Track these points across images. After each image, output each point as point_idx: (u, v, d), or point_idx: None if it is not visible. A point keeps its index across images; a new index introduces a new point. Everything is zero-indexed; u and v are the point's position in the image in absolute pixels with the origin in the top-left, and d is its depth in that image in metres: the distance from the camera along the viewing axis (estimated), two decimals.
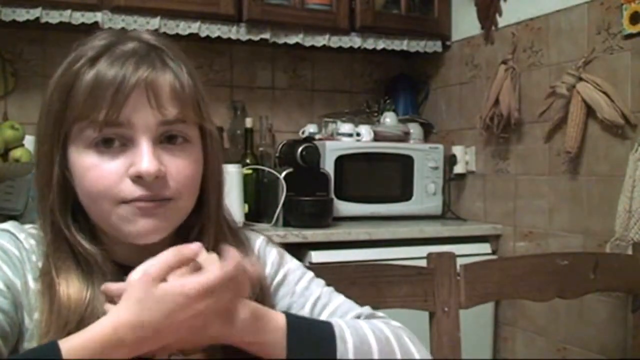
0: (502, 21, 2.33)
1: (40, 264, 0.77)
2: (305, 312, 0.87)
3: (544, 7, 2.14)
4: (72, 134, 0.75)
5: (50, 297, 0.74)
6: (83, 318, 0.72)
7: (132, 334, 0.65)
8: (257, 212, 2.29)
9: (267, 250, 0.91)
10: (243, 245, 0.87)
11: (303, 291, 0.89)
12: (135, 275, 0.68)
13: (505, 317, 2.33)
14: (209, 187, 0.83)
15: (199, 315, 0.67)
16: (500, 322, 2.34)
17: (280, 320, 0.74)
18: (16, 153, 1.99)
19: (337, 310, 0.88)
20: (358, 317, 0.88)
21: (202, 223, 0.83)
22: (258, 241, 0.93)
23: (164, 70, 0.76)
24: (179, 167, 0.76)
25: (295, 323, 0.75)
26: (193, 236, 0.81)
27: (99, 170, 0.74)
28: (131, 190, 0.74)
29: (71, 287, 0.74)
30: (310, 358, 0.73)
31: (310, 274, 0.92)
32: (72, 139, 0.76)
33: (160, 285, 0.66)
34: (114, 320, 0.65)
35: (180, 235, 0.81)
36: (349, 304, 0.90)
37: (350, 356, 0.75)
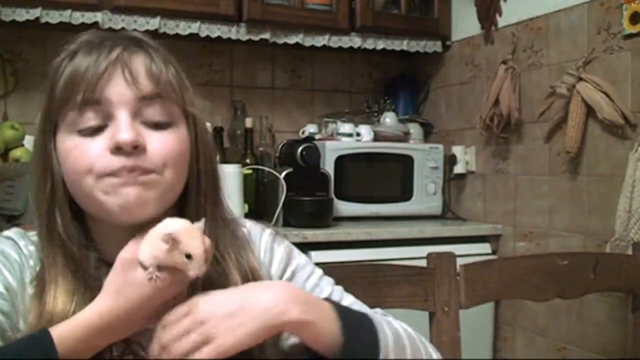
0: (502, 21, 2.33)
1: (37, 269, 0.78)
2: None
3: (544, 7, 2.14)
4: (58, 123, 0.77)
5: (41, 301, 0.74)
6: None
7: (116, 320, 0.69)
8: (257, 212, 2.29)
9: (274, 247, 0.90)
10: (238, 239, 0.86)
11: (313, 288, 0.88)
12: (123, 253, 0.72)
13: (505, 317, 2.33)
14: (201, 175, 0.82)
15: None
16: (500, 322, 2.34)
17: (324, 301, 0.77)
18: (16, 153, 2.00)
19: None
20: None
21: (198, 214, 0.81)
22: (265, 236, 0.91)
23: (137, 52, 0.78)
24: (161, 141, 0.76)
25: (337, 305, 0.78)
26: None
27: (80, 149, 0.75)
28: (111, 161, 0.73)
29: (60, 291, 0.75)
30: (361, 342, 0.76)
31: (320, 271, 0.91)
32: (59, 128, 0.77)
33: (138, 271, 0.70)
34: (99, 307, 0.69)
35: None
36: (360, 304, 0.90)
37: (390, 343, 0.78)
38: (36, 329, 0.71)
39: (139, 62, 0.77)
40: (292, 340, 0.82)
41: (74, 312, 0.73)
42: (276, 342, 0.81)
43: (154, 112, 0.77)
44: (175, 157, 0.77)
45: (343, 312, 0.77)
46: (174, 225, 0.72)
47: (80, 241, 0.78)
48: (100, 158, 0.74)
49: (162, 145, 0.76)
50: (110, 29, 2.10)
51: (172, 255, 0.70)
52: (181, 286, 0.72)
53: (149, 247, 0.71)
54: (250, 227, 0.91)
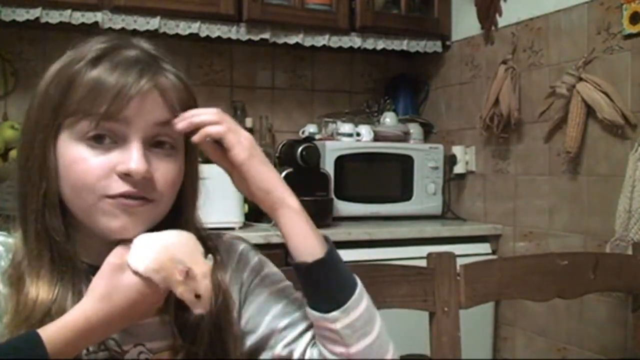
0: (502, 21, 2.33)
1: (9, 270, 0.77)
2: (278, 307, 0.88)
3: (544, 7, 2.14)
4: (64, 126, 0.76)
5: (17, 298, 0.75)
6: (50, 316, 0.73)
7: (102, 323, 0.70)
8: (257, 212, 2.28)
9: (250, 255, 0.92)
10: (217, 252, 0.87)
11: (283, 288, 0.91)
12: (110, 258, 0.73)
13: (505, 317, 2.33)
14: (187, 195, 0.85)
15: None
16: (500, 322, 2.34)
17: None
18: (16, 153, 1.99)
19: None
20: None
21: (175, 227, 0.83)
22: (242, 246, 0.94)
23: (161, 77, 0.79)
24: (165, 172, 0.79)
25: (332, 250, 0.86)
26: None
27: (86, 164, 0.75)
28: (117, 185, 0.75)
29: (41, 286, 0.75)
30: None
31: (289, 282, 0.93)
32: (64, 131, 0.77)
33: (125, 275, 0.72)
34: (85, 310, 0.70)
35: None
36: None
37: (364, 301, 0.85)
38: (17, 318, 0.73)
39: (162, 88, 0.78)
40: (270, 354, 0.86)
41: (54, 302, 0.74)
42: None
43: (164, 138, 0.79)
44: (172, 188, 0.81)
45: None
46: (182, 249, 0.74)
47: (66, 237, 0.78)
48: (105, 179, 0.75)
49: (164, 176, 0.79)
50: (110, 29, 2.10)
51: (180, 286, 0.72)
52: (164, 296, 0.75)
53: (151, 259, 0.72)
54: (227, 239, 0.93)
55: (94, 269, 0.76)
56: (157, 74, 0.78)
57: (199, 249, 0.76)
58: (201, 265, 0.73)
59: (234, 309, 0.86)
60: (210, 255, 0.77)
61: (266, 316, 0.88)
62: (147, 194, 0.77)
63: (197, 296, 0.72)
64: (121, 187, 0.75)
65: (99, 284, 0.72)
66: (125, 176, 0.75)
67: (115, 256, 0.74)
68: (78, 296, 0.75)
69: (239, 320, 0.87)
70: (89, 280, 0.75)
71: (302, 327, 0.87)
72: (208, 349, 0.81)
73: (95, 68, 0.76)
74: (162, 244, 0.74)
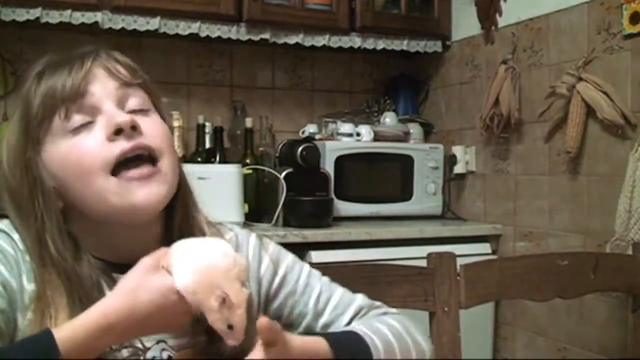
0: (502, 21, 2.33)
1: (33, 267, 0.76)
2: (309, 309, 0.90)
3: (544, 7, 2.14)
4: (41, 138, 0.78)
5: (42, 325, 0.73)
6: None
7: (120, 321, 0.67)
8: (257, 212, 2.28)
9: (261, 253, 0.92)
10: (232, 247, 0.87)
11: (304, 288, 0.91)
12: (146, 259, 0.72)
13: (505, 317, 2.33)
14: (182, 175, 0.86)
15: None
16: (500, 322, 2.34)
17: (322, 344, 0.75)
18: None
19: (340, 303, 0.91)
20: (360, 309, 0.92)
21: (182, 215, 0.85)
22: (251, 242, 0.92)
23: (107, 55, 0.82)
24: (151, 124, 0.80)
25: (338, 348, 0.75)
26: (177, 231, 0.83)
27: (78, 147, 0.76)
28: (115, 149, 0.76)
29: (60, 309, 0.74)
30: None
31: (307, 267, 0.94)
32: (43, 141, 0.78)
33: (155, 276, 0.70)
34: (104, 306, 0.68)
35: (166, 232, 0.84)
36: (348, 295, 0.94)
37: (382, 356, 0.80)
38: None
39: (110, 61, 0.81)
40: None
41: None
42: None
43: (135, 101, 0.81)
44: (168, 140, 0.82)
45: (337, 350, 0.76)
46: (224, 273, 0.70)
47: (73, 254, 0.77)
48: (101, 152, 0.76)
49: (154, 127, 0.80)
50: (110, 29, 2.11)
51: (214, 314, 0.69)
52: (190, 314, 0.72)
53: (190, 280, 0.69)
54: (238, 232, 0.93)
55: (120, 267, 0.76)
56: (100, 54, 0.81)
57: (241, 275, 0.72)
58: (238, 294, 0.70)
59: (254, 308, 0.85)
60: (248, 284, 0.74)
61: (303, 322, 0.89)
62: (143, 143, 0.77)
63: (230, 327, 0.69)
64: (118, 147, 0.76)
65: (126, 279, 0.70)
66: (116, 135, 0.76)
67: (151, 257, 0.72)
68: None
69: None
70: (111, 279, 0.75)
71: (344, 320, 0.89)
72: (230, 347, 0.79)
73: (42, 79, 0.79)
74: (206, 264, 0.70)
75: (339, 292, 0.93)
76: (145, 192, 0.77)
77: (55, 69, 0.79)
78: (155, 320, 0.69)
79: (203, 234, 0.85)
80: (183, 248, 0.73)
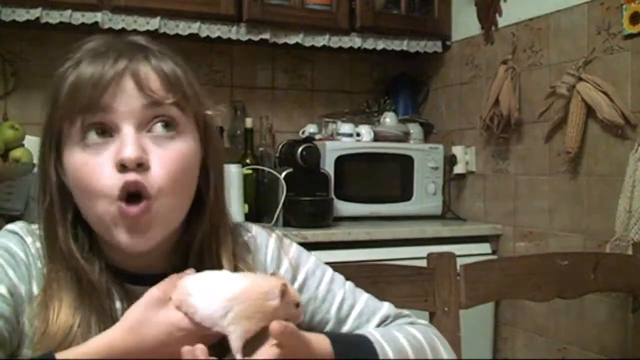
0: (502, 21, 2.33)
1: (44, 272, 0.76)
2: (331, 316, 0.87)
3: (544, 7, 2.14)
4: (63, 135, 0.74)
5: (43, 320, 0.72)
6: (69, 342, 0.71)
7: (126, 355, 0.66)
8: (257, 212, 2.29)
9: (281, 255, 0.88)
10: (238, 246, 0.84)
11: (325, 295, 0.87)
12: (153, 290, 0.69)
13: (505, 317, 2.33)
14: (210, 183, 0.80)
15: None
16: (500, 322, 2.34)
17: (325, 345, 0.74)
18: (16, 153, 1.99)
19: (364, 310, 0.88)
20: (386, 318, 0.88)
21: (204, 228, 0.79)
22: (271, 243, 0.89)
23: (145, 60, 0.75)
24: (166, 159, 0.73)
25: (340, 347, 0.74)
26: (196, 243, 0.79)
27: (87, 167, 0.72)
28: (115, 179, 0.71)
29: (64, 306, 0.73)
30: None
31: (330, 272, 0.90)
32: (64, 140, 0.74)
33: (161, 312, 0.67)
34: (111, 339, 0.66)
35: (183, 243, 0.80)
36: (373, 302, 0.90)
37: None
38: (39, 346, 0.70)
39: (147, 70, 0.74)
40: None
41: (79, 326, 0.72)
42: None
43: (160, 125, 0.74)
44: (180, 174, 0.74)
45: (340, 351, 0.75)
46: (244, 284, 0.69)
47: (84, 253, 0.76)
48: (110, 177, 0.71)
49: (167, 159, 0.73)
50: (110, 29, 2.10)
51: (283, 307, 0.68)
52: (194, 341, 0.68)
53: (238, 309, 0.67)
54: (257, 232, 0.89)
55: (135, 277, 0.75)
56: (137, 56, 0.74)
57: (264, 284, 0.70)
58: (277, 278, 0.71)
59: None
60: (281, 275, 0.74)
61: (325, 329, 0.86)
62: (145, 181, 0.71)
63: (297, 305, 0.70)
64: (123, 178, 0.70)
65: (131, 313, 0.68)
66: (122, 167, 0.70)
67: (158, 289, 0.69)
68: (103, 320, 0.73)
69: None
70: (123, 289, 0.74)
71: (370, 328, 0.86)
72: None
73: (77, 68, 0.73)
74: (240, 288, 0.68)
75: (364, 298, 0.89)
76: (130, 236, 0.72)
77: (92, 60, 0.73)
78: (162, 354, 0.67)
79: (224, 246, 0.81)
80: (193, 284, 0.70)
